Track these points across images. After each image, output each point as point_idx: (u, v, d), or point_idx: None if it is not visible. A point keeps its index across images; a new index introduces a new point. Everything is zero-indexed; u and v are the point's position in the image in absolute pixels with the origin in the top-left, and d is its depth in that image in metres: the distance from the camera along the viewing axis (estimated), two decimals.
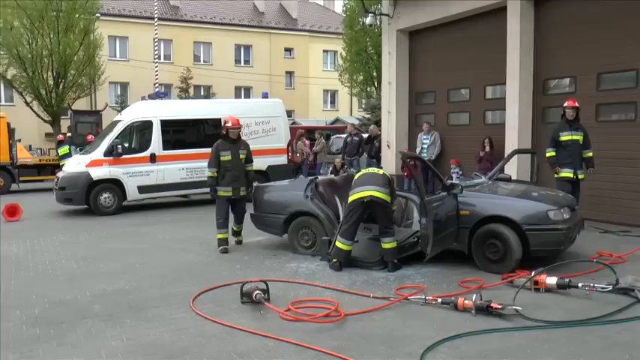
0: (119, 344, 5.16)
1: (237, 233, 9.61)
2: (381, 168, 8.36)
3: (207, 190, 9.48)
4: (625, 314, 5.76)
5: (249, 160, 9.42)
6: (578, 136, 9.73)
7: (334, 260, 7.72)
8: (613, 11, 11.17)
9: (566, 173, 9.75)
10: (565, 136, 9.73)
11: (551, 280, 6.49)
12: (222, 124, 9.15)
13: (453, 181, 8.18)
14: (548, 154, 9.92)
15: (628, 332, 5.33)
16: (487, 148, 13.32)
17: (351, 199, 7.71)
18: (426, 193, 7.61)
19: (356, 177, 8.03)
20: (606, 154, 10.86)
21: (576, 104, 9.77)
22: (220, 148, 9.17)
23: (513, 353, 4.85)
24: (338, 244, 7.70)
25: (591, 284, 6.39)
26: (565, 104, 9.87)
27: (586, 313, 5.77)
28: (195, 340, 5.22)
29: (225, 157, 9.10)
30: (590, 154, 9.81)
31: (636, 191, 10.53)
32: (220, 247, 9.08)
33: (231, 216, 9.41)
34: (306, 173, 16.61)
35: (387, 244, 7.58)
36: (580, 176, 9.80)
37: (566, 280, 6.48)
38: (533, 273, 6.68)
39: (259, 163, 15.38)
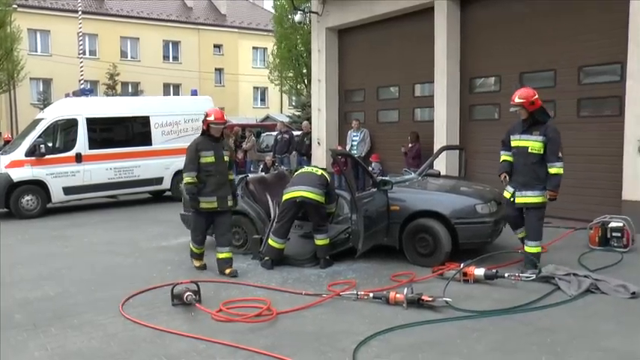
0: (43, 355, 4.94)
1: (225, 261, 7.42)
2: (322, 168, 8.28)
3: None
4: (546, 301, 6.03)
5: (230, 164, 7.75)
6: (528, 142, 7.11)
7: (266, 258, 7.68)
8: (534, 13, 11.62)
9: (506, 192, 7.44)
10: (514, 141, 7.35)
11: (479, 272, 6.69)
12: (205, 117, 7.53)
13: (383, 178, 8.29)
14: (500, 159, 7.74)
15: (549, 318, 5.58)
16: (409, 144, 13.60)
17: (284, 197, 7.70)
18: (357, 189, 7.68)
19: (294, 176, 8.05)
20: None
21: (516, 99, 7.08)
22: (201, 147, 7.36)
23: (444, 343, 4.97)
24: (270, 242, 7.67)
25: (516, 274, 6.63)
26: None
27: (512, 301, 5.99)
28: (125, 345, 5.07)
29: (207, 158, 7.34)
30: (555, 170, 6.97)
31: None
32: (197, 264, 7.69)
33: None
34: (235, 171, 16.43)
35: (320, 240, 7.62)
36: (520, 199, 7.15)
37: (493, 270, 6.70)
38: (462, 265, 6.87)
39: None
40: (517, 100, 7.08)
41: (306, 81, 29.71)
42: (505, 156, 7.50)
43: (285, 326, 5.47)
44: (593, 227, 8.61)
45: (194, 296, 5.99)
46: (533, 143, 7.07)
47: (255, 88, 45.86)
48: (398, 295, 5.96)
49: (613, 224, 8.48)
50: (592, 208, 10.14)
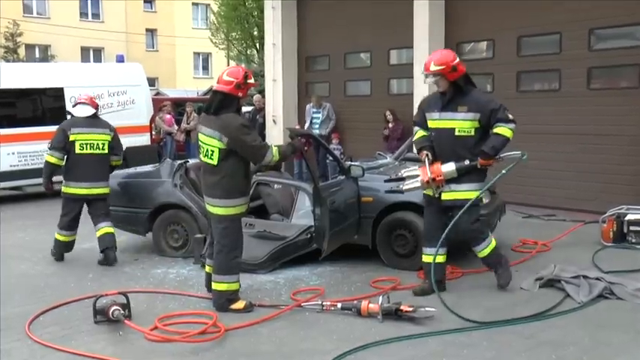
0: None
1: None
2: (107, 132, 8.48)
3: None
4: (550, 309, 6.12)
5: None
6: (453, 123, 6.52)
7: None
8: None
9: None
10: (432, 121, 6.72)
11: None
12: (243, 79, 6.25)
13: (353, 163, 8.31)
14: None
15: (554, 329, 5.69)
16: (390, 124, 13.66)
17: None
18: (320, 177, 7.68)
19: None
20: (528, 129, 11.45)
21: (432, 66, 6.46)
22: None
23: None
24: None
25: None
26: None
27: (509, 310, 6.09)
28: None
29: None
30: (500, 129, 6.40)
31: (561, 170, 11.19)
32: (242, 306, 6.44)
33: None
34: (172, 155, 16.31)
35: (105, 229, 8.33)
36: (447, 195, 6.57)
37: None
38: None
39: None
40: (433, 67, 6.44)
41: (257, 45, 29.56)
42: (422, 131, 6.83)
43: (236, 346, 5.44)
44: (607, 220, 8.79)
45: (122, 311, 5.91)
46: (460, 123, 6.49)
47: (196, 54, 45.53)
48: (371, 306, 5.98)
49: (631, 216, 8.67)
50: (605, 198, 10.35)
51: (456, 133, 6.48)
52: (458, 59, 6.54)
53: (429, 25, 12.88)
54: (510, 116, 6.40)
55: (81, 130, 8.28)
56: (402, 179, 6.86)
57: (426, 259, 6.75)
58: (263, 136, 16.48)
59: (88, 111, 8.49)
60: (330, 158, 11.75)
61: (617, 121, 10.73)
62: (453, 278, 7.16)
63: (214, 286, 6.39)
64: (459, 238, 6.96)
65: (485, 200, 7.80)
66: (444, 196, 6.54)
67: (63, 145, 8.27)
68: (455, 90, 6.47)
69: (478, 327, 5.70)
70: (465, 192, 6.47)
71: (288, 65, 16.47)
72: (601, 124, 10.90)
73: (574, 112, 11.23)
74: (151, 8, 44.00)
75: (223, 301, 6.32)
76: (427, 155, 6.55)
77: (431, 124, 6.67)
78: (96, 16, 41.79)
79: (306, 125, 15.17)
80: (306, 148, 7.07)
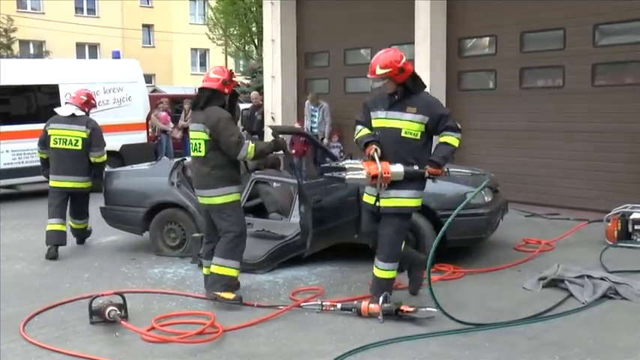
0: None
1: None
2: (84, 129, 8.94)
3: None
4: (554, 310, 6.13)
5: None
6: (400, 123, 6.14)
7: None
8: None
9: (366, 196, 6.50)
10: (377, 120, 6.37)
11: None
12: (229, 76, 6.63)
13: (352, 160, 8.29)
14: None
15: (557, 330, 5.69)
16: None
17: None
18: (317, 175, 7.67)
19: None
20: (531, 126, 11.48)
21: (377, 70, 6.09)
22: None
23: None
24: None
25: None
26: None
27: (512, 311, 6.10)
28: None
29: None
30: (447, 138, 6.17)
31: (564, 168, 11.19)
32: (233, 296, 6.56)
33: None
34: (169, 153, 16.31)
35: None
36: (386, 202, 6.21)
37: None
38: None
39: (111, 142, 14.97)
40: (380, 70, 6.05)
41: (256, 41, 29.56)
42: (365, 129, 6.47)
43: (234, 346, 5.45)
44: (611, 219, 8.79)
45: (118, 311, 5.92)
46: (408, 124, 6.12)
47: (194, 50, 45.47)
48: (372, 306, 5.99)
49: (636, 215, 8.68)
50: (609, 196, 10.37)
51: (402, 135, 6.13)
52: (405, 58, 6.18)
53: (431, 20, 12.89)
54: (459, 125, 6.22)
55: (56, 126, 8.98)
56: (343, 169, 6.48)
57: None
58: (261, 134, 16.53)
59: (68, 110, 9.16)
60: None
61: (621, 118, 10.74)
62: (455, 278, 7.18)
63: (215, 269, 6.47)
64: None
65: (487, 199, 7.83)
66: (383, 203, 6.19)
67: (43, 139, 9.15)
68: (404, 90, 6.16)
69: (480, 328, 5.71)
70: (405, 199, 6.16)
71: (286, 62, 16.47)
72: (605, 121, 10.90)
73: (578, 109, 11.24)
74: (148, 3, 43.94)
75: (222, 285, 6.44)
76: (376, 150, 6.12)
77: (376, 123, 6.34)
78: (91, 11, 41.78)
79: (306, 123, 15.11)
80: (305, 148, 7.11)
